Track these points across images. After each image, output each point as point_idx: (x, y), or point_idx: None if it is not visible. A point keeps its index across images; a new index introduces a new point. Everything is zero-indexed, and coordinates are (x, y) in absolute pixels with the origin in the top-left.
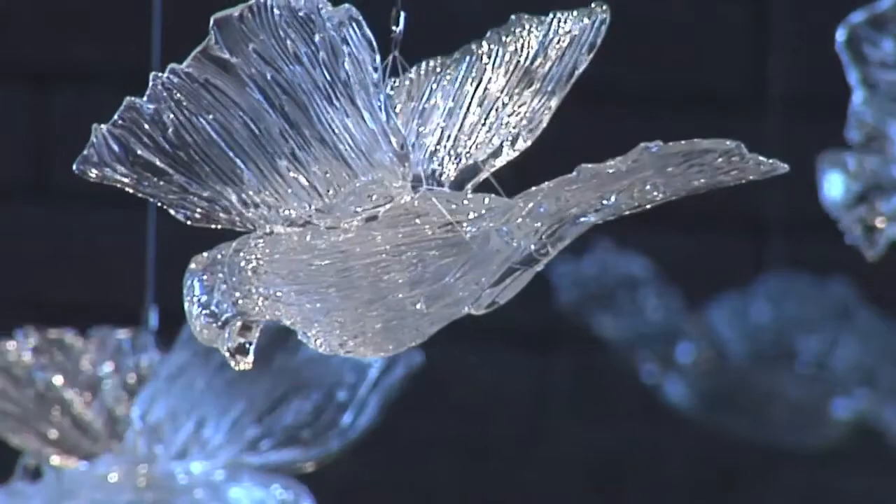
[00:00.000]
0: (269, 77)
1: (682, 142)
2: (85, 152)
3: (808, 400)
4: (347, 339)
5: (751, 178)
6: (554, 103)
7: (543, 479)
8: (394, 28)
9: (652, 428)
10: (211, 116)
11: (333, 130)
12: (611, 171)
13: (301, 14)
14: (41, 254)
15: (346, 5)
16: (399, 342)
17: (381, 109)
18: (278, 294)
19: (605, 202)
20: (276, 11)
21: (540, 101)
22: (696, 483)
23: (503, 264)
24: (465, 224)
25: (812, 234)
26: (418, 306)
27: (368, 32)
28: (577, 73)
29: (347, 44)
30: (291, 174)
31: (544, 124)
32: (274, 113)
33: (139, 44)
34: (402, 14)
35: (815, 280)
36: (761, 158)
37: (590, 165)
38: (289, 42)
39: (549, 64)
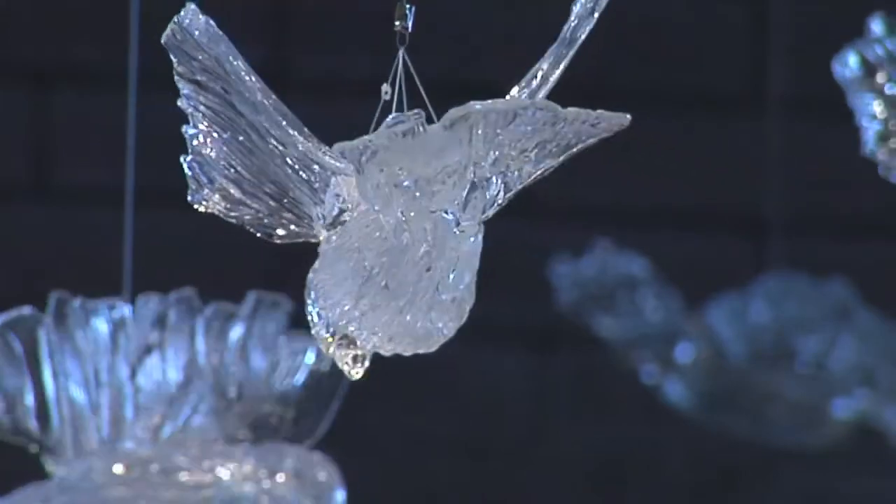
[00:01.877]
0: (220, 89)
1: (494, 102)
2: (190, 185)
3: (808, 400)
4: (372, 338)
5: (605, 133)
6: (554, 77)
7: (543, 479)
8: (397, 24)
9: (652, 428)
10: (228, 135)
11: (287, 133)
12: (432, 135)
13: (203, 25)
14: (41, 254)
15: (191, 5)
16: (414, 340)
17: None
18: (325, 300)
19: (484, 165)
20: (193, 31)
21: (547, 73)
22: (696, 483)
23: (436, 246)
24: (383, 215)
25: (812, 234)
26: (380, 299)
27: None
28: (579, 42)
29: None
30: (295, 179)
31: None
32: (243, 123)
33: (140, 44)
34: (411, 8)
35: (815, 280)
36: (583, 111)
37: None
38: (213, 53)
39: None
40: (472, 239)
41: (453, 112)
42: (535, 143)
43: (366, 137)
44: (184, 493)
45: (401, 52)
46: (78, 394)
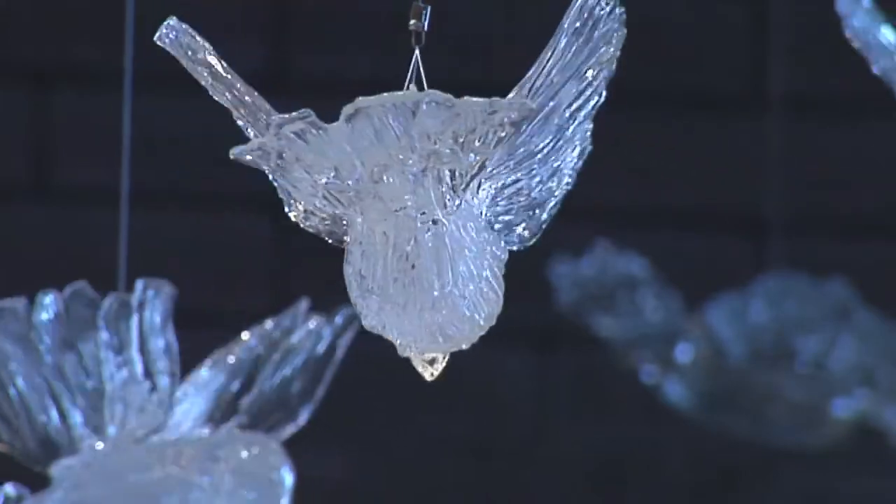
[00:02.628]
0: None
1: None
2: (283, 198)
3: (808, 400)
4: (399, 338)
5: (510, 120)
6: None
7: (543, 479)
8: (412, 23)
9: (652, 428)
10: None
11: None
12: (332, 132)
13: (170, 42)
14: (41, 254)
15: (169, 21)
16: (433, 340)
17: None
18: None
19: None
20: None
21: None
22: (696, 483)
23: (409, 244)
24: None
25: (812, 234)
26: (378, 301)
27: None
28: (570, 31)
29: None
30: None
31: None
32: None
33: (140, 44)
34: (427, 8)
35: (815, 280)
36: (479, 100)
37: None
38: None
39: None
40: (429, 233)
41: (346, 108)
42: (451, 132)
43: (255, 141)
44: (149, 486)
45: (416, 52)
46: (24, 394)
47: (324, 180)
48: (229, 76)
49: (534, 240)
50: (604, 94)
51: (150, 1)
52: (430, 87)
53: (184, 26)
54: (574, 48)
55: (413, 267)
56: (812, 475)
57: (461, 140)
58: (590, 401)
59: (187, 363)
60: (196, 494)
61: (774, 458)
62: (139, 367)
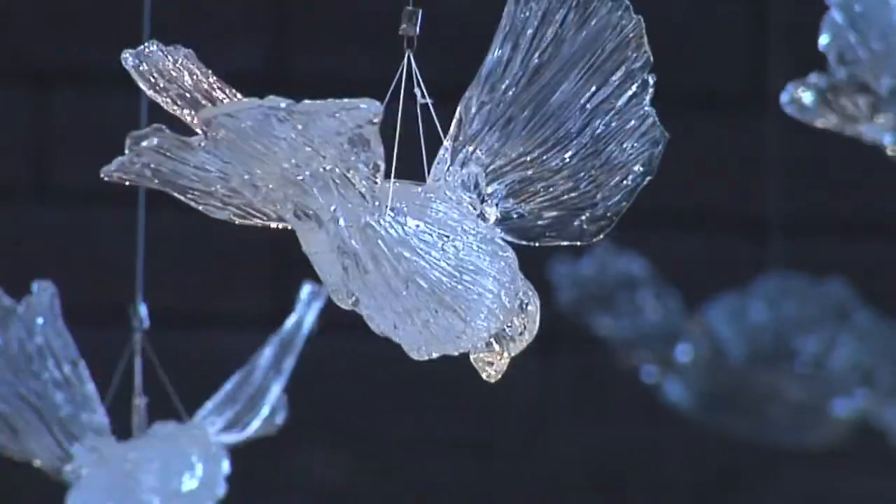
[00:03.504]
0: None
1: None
2: None
3: (808, 400)
4: (400, 341)
5: (360, 122)
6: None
7: (543, 479)
8: (403, 26)
9: (652, 428)
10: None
11: None
12: (194, 144)
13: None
14: (41, 254)
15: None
16: (427, 341)
17: None
18: None
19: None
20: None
21: None
22: (696, 483)
23: (336, 254)
24: None
25: (812, 234)
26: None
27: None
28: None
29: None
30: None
31: None
32: None
33: (139, 44)
34: (417, 11)
35: (815, 280)
36: (322, 103)
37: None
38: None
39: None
40: (352, 238)
41: (195, 120)
42: (317, 136)
43: (116, 160)
44: (129, 478)
45: (408, 55)
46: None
47: (217, 187)
48: (205, 98)
49: (602, 234)
50: (649, 79)
51: (153, 1)
52: (427, 88)
53: (153, 50)
54: (549, 42)
55: (366, 272)
56: (812, 475)
57: (337, 141)
58: (590, 401)
59: (188, 363)
60: (146, 495)
61: (774, 458)
62: (57, 373)
